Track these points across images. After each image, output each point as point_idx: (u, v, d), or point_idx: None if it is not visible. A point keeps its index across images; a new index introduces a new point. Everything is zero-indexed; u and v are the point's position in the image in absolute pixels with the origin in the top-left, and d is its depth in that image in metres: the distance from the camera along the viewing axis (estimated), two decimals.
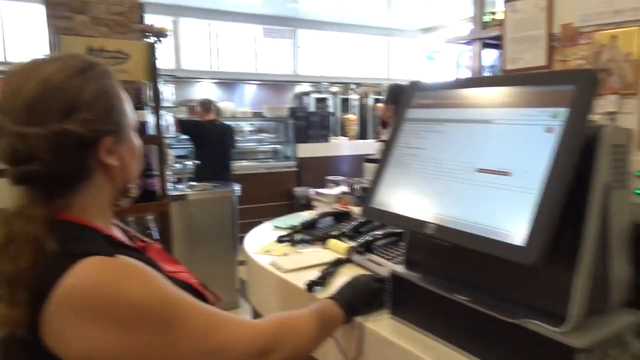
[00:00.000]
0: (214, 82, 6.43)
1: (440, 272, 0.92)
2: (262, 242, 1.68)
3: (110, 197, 0.83)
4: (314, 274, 1.26)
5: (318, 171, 5.75)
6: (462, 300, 0.82)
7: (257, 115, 6.02)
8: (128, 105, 0.83)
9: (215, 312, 0.78)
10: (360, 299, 1.01)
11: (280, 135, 6.32)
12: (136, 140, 0.85)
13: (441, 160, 0.81)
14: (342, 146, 6.26)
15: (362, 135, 7.15)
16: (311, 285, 1.18)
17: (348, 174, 4.71)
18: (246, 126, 6.10)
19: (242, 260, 3.83)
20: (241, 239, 3.79)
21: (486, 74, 3.14)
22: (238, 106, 6.18)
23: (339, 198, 1.93)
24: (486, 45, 2.98)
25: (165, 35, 3.11)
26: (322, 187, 2.45)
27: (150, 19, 3.33)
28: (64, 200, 0.76)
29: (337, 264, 1.34)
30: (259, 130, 6.35)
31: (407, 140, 0.90)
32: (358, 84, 7.28)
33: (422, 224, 0.79)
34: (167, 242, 2.74)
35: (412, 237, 0.97)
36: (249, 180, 4.66)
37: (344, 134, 6.86)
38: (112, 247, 0.75)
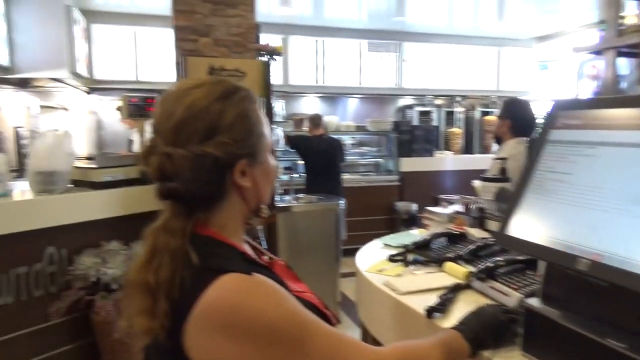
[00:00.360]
0: (319, 97, 6.59)
1: (585, 311, 0.82)
2: (372, 259, 1.66)
3: (243, 215, 0.86)
4: (431, 299, 1.20)
5: (420, 186, 5.62)
6: (617, 347, 0.72)
7: (361, 128, 6.05)
8: (266, 128, 0.85)
9: (342, 335, 0.77)
10: (487, 332, 0.94)
11: (382, 149, 6.29)
12: (271, 162, 0.87)
13: (595, 187, 0.72)
14: (446, 161, 6.06)
15: (468, 149, 6.87)
16: (431, 311, 1.13)
17: (452, 189, 4.54)
18: (348, 139, 6.15)
19: (344, 273, 3.85)
20: (343, 252, 3.82)
21: (621, 85, 2.84)
22: (341, 120, 6.27)
23: (452, 218, 1.85)
24: (619, 54, 2.70)
25: (279, 54, 3.26)
26: (426, 202, 2.36)
27: (262, 38, 3.51)
28: (204, 216, 0.80)
29: (456, 289, 1.27)
30: (360, 144, 6.37)
31: (550, 164, 0.82)
32: (464, 96, 7.02)
33: (572, 258, 0.71)
34: (274, 252, 2.83)
35: (551, 269, 0.88)
36: (349, 193, 4.67)
37: (448, 148, 6.64)
38: (248, 264, 0.78)
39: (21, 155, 4.93)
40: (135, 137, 4.37)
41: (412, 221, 5.40)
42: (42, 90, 5.24)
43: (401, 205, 5.56)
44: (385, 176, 5.94)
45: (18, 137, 5.05)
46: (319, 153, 4.41)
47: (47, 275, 2.45)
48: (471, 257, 1.46)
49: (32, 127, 5.13)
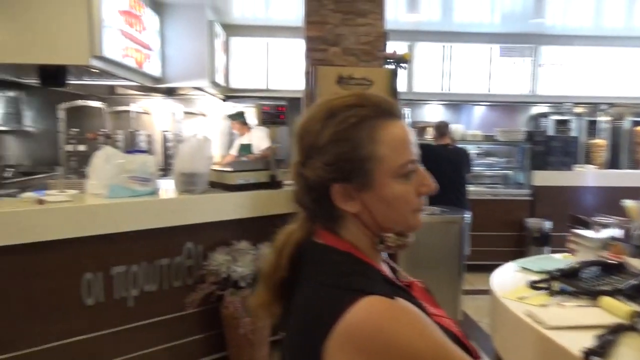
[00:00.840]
0: (443, 104, 6.36)
1: None
2: (508, 283, 1.52)
3: (369, 239, 0.80)
4: (586, 338, 1.06)
5: (555, 202, 5.13)
6: None
7: (489, 138, 5.69)
8: (388, 149, 0.75)
9: None
10: None
11: (512, 160, 5.85)
12: (395, 188, 0.76)
13: None
14: (586, 176, 5.44)
15: (614, 164, 6.10)
16: (589, 354, 0.99)
17: (593, 208, 4.04)
18: (473, 149, 5.83)
19: (466, 290, 3.64)
20: (466, 267, 3.61)
21: None
22: (467, 128, 5.98)
23: (607, 244, 1.62)
24: None
25: (406, 62, 3.20)
26: (560, 220, 2.10)
27: (388, 46, 3.47)
28: (335, 230, 0.79)
29: (618, 330, 1.10)
30: (487, 154, 6.00)
31: None
32: (611, 104, 6.26)
33: None
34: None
35: None
36: (474, 206, 4.40)
37: (589, 161, 5.96)
38: (390, 287, 0.74)
39: (167, 157, 5.51)
40: (266, 142, 4.61)
41: (545, 240, 4.94)
42: (186, 98, 5.80)
43: (532, 222, 5.11)
44: (514, 189, 5.52)
45: (165, 140, 5.66)
46: (443, 163, 4.21)
47: (185, 268, 2.67)
48: (634, 293, 1.26)
49: (176, 131, 5.71)
